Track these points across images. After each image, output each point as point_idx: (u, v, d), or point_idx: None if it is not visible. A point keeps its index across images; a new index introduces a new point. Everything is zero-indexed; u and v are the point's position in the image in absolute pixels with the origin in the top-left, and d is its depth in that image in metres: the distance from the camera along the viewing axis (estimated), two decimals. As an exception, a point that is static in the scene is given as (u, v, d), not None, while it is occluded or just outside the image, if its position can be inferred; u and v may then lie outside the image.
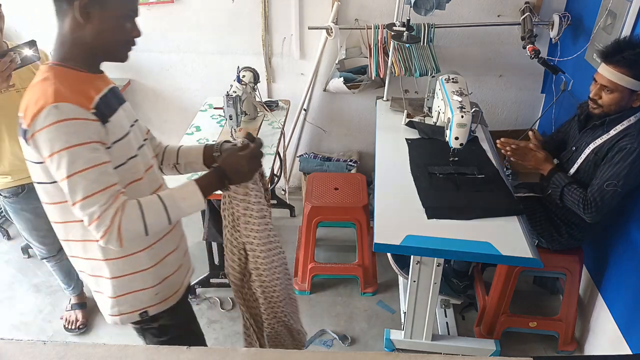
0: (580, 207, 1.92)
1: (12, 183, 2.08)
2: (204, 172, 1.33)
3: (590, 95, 1.96)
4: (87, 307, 2.62)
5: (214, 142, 1.49)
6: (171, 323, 1.46)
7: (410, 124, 2.58)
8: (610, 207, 1.89)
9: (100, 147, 1.14)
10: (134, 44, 1.24)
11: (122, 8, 1.17)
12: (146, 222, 1.16)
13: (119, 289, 1.35)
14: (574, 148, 2.11)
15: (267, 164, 2.41)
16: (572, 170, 2.06)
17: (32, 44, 1.85)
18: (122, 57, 1.24)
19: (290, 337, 1.59)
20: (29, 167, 1.20)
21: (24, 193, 2.12)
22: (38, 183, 1.22)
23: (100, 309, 1.44)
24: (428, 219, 1.92)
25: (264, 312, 1.51)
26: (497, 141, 2.21)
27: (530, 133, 2.22)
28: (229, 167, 1.30)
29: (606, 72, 1.87)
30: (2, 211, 3.29)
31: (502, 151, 2.16)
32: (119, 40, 1.20)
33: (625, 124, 1.91)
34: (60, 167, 1.09)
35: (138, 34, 1.23)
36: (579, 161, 2.03)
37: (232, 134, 2.56)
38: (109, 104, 1.22)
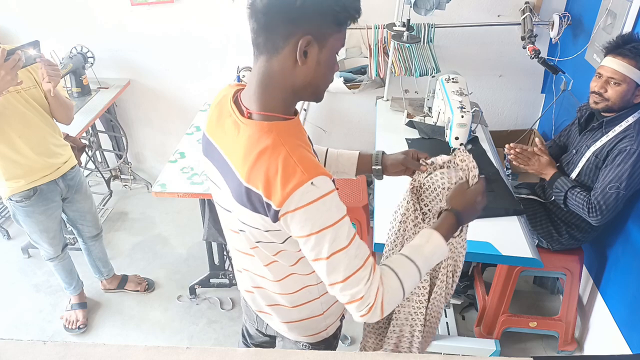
0: (584, 210, 1.91)
1: (26, 186, 2.08)
2: (439, 220, 1.22)
3: (596, 89, 1.93)
4: (87, 307, 2.62)
5: (369, 153, 1.41)
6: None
7: (410, 124, 2.58)
8: (615, 210, 1.88)
9: (348, 217, 1.03)
10: (332, 81, 1.09)
11: (339, 44, 1.02)
12: (404, 290, 1.08)
13: (325, 306, 1.31)
14: (574, 151, 2.11)
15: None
16: (574, 174, 2.06)
17: (35, 44, 1.84)
18: (322, 97, 1.09)
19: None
20: (248, 230, 1.09)
21: (36, 195, 2.12)
22: (256, 244, 1.13)
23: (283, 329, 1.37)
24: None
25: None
26: (506, 146, 2.21)
27: (537, 139, 2.22)
28: (464, 209, 1.21)
29: (613, 63, 1.86)
30: (2, 211, 3.29)
31: (508, 155, 2.17)
32: (329, 80, 1.06)
33: (623, 125, 1.91)
34: (317, 246, 0.99)
35: (338, 68, 1.08)
36: (580, 164, 2.03)
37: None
38: (315, 153, 1.09)
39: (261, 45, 0.99)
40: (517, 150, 2.16)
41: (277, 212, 0.97)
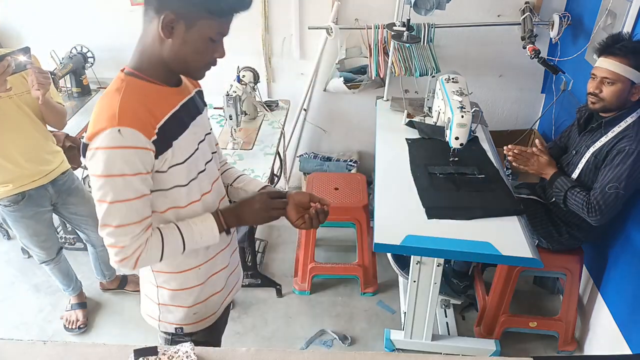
0: (584, 210, 1.91)
1: (14, 191, 2.06)
2: (224, 207, 1.32)
3: (591, 90, 1.94)
4: (87, 306, 2.62)
5: (274, 188, 1.46)
6: (204, 340, 1.42)
7: (410, 124, 2.58)
8: (615, 210, 1.89)
9: (149, 177, 1.11)
10: (214, 64, 1.16)
11: (210, 30, 1.08)
12: (163, 255, 1.17)
13: (161, 299, 1.34)
14: (574, 152, 2.12)
15: (267, 164, 2.42)
16: (574, 175, 2.06)
17: (26, 50, 1.84)
18: (198, 76, 1.18)
19: None
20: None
21: (24, 200, 2.10)
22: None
23: (142, 306, 1.44)
24: (428, 219, 1.92)
25: None
26: (505, 147, 2.22)
27: (536, 140, 2.22)
28: (248, 206, 1.29)
29: (606, 63, 1.87)
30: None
31: (508, 156, 2.17)
32: (199, 61, 1.13)
33: (622, 125, 1.92)
34: (104, 189, 1.07)
35: (221, 55, 1.15)
36: (580, 165, 2.03)
37: (232, 134, 2.56)
38: (176, 125, 1.16)
39: (143, 13, 1.09)
40: (515, 151, 2.16)
41: (85, 145, 1.07)
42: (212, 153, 1.34)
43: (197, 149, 1.23)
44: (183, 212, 1.23)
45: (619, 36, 1.88)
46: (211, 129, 1.37)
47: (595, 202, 1.88)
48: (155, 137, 1.08)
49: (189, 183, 1.20)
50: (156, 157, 1.11)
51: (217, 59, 1.15)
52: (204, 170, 1.26)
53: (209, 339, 1.45)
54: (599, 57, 1.92)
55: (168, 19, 1.04)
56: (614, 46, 1.85)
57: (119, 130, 1.02)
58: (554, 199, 2.10)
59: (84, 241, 2.53)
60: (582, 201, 1.92)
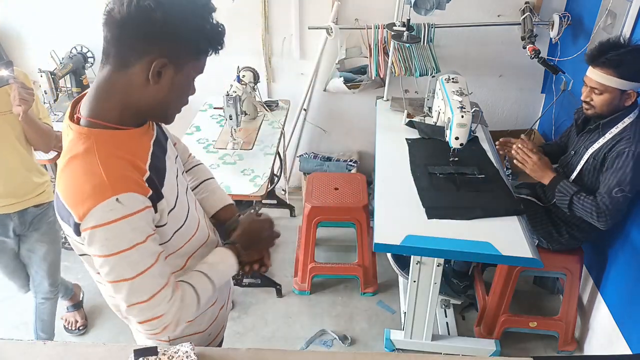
0: (593, 216, 1.90)
1: None
2: (231, 241, 1.23)
3: (582, 98, 1.98)
4: (82, 306, 2.59)
5: (239, 213, 1.38)
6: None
7: (410, 124, 2.58)
8: (622, 212, 1.91)
9: (156, 235, 1.01)
10: (186, 104, 1.07)
11: (195, 71, 1.01)
12: (199, 306, 1.09)
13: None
14: (572, 152, 2.12)
15: (267, 164, 2.42)
16: (573, 175, 2.06)
17: (8, 64, 1.76)
18: (171, 120, 1.08)
19: None
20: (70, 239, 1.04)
21: None
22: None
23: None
24: (428, 219, 1.92)
25: None
26: (496, 143, 2.22)
27: (522, 135, 2.22)
28: (244, 244, 1.23)
29: (593, 74, 1.90)
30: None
31: (508, 152, 2.18)
32: (180, 104, 1.05)
33: (620, 126, 1.92)
34: (120, 267, 0.95)
35: (194, 93, 1.07)
36: (579, 167, 2.03)
37: (232, 134, 2.56)
38: (157, 170, 1.03)
39: (110, 57, 0.96)
40: (501, 140, 2.22)
41: (77, 225, 0.93)
42: (182, 173, 1.23)
43: (177, 183, 1.13)
44: (183, 250, 1.15)
45: (606, 46, 1.87)
46: (175, 144, 1.26)
47: (604, 208, 1.88)
48: (150, 192, 0.98)
49: (184, 223, 1.12)
50: (155, 211, 1.00)
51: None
52: (188, 200, 1.18)
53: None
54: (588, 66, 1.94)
55: (160, 64, 0.94)
56: (599, 58, 1.86)
57: (116, 199, 0.90)
58: (554, 201, 2.09)
59: (21, 286, 2.22)
60: (590, 207, 1.91)
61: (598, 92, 1.90)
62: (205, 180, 1.40)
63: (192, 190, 1.32)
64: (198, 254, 1.19)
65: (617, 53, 1.82)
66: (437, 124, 2.45)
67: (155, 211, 1.00)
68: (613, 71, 1.83)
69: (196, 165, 1.42)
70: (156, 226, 1.02)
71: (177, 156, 1.21)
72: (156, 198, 0.99)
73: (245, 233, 1.26)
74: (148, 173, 0.99)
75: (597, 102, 1.92)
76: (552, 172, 2.07)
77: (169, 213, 1.05)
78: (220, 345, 1.46)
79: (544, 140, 3.05)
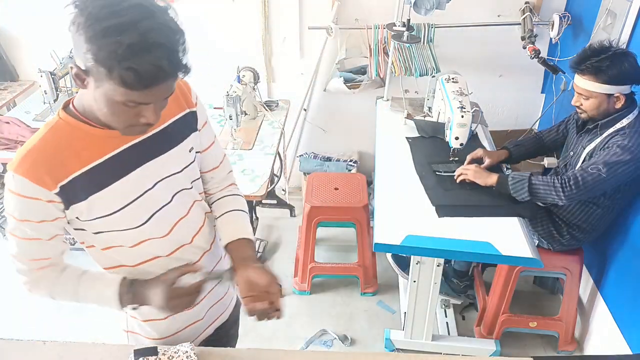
0: (556, 185, 1.86)
1: None
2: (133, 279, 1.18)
3: (572, 103, 2.00)
4: None
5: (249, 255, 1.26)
6: None
7: (409, 117, 2.58)
8: (591, 191, 1.85)
9: (44, 224, 1.06)
10: (142, 128, 1.02)
11: (120, 96, 0.92)
12: (55, 297, 1.22)
13: (130, 327, 1.34)
14: (571, 153, 2.12)
15: (267, 164, 2.42)
16: None
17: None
18: (127, 133, 1.03)
19: None
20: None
21: None
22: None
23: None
24: (439, 217, 1.91)
25: None
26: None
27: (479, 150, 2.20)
28: (144, 291, 1.15)
29: (578, 81, 1.92)
30: (1, 212, 3.28)
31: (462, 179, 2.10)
32: (115, 122, 1.00)
33: (617, 126, 1.93)
34: (8, 222, 1.08)
35: (149, 121, 0.98)
36: (577, 166, 2.03)
37: (232, 134, 2.56)
38: (95, 179, 1.05)
39: None
40: (462, 173, 2.08)
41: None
42: (179, 191, 1.18)
43: (141, 191, 1.11)
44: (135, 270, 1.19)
45: (588, 52, 1.88)
46: (191, 163, 1.21)
47: (572, 175, 1.85)
48: (57, 189, 1.01)
49: (135, 228, 1.12)
50: (66, 207, 1.05)
51: (148, 123, 0.99)
52: (154, 214, 1.14)
53: None
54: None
55: (75, 72, 0.93)
56: (580, 65, 1.87)
57: (13, 175, 1.00)
58: (512, 193, 1.97)
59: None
60: (550, 179, 1.88)
61: (584, 97, 1.93)
62: (229, 212, 1.33)
63: (216, 219, 1.33)
64: (158, 264, 1.19)
65: (597, 59, 1.83)
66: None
67: (66, 208, 1.05)
68: (595, 77, 1.86)
69: (226, 197, 1.36)
70: (79, 219, 1.09)
71: (188, 165, 1.19)
72: (69, 198, 1.05)
73: (152, 284, 1.15)
74: (74, 175, 1.03)
75: (586, 106, 1.95)
76: (496, 173, 2.02)
77: (103, 217, 1.09)
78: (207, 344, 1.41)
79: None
